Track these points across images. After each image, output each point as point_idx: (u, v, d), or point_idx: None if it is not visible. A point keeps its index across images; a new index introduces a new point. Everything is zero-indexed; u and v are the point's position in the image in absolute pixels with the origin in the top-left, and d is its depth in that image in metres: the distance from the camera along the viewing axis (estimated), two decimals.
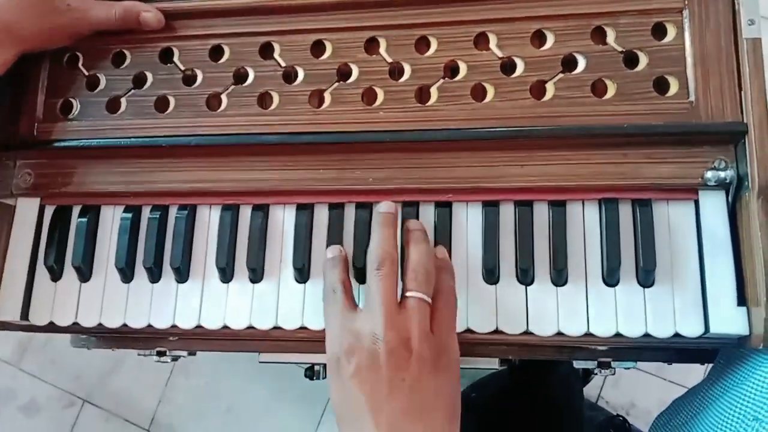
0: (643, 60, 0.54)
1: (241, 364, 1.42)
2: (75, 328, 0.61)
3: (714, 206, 0.52)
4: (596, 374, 0.60)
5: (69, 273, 0.61)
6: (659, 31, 0.55)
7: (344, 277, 0.53)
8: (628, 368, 0.60)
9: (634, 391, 1.31)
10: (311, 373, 0.79)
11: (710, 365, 0.61)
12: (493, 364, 0.61)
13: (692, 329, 0.51)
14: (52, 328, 0.61)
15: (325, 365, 0.80)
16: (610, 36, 0.55)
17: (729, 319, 0.50)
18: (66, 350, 1.51)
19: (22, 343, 1.54)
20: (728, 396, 0.53)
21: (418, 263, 0.51)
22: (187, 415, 1.45)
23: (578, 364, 0.59)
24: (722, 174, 0.51)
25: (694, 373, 1.20)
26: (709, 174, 0.52)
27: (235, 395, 1.43)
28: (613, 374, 0.60)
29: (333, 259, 0.54)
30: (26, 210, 0.62)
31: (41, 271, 0.61)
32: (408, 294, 0.49)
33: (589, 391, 1.31)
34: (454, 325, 0.51)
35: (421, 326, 0.48)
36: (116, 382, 1.49)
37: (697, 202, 0.53)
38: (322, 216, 0.58)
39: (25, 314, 0.61)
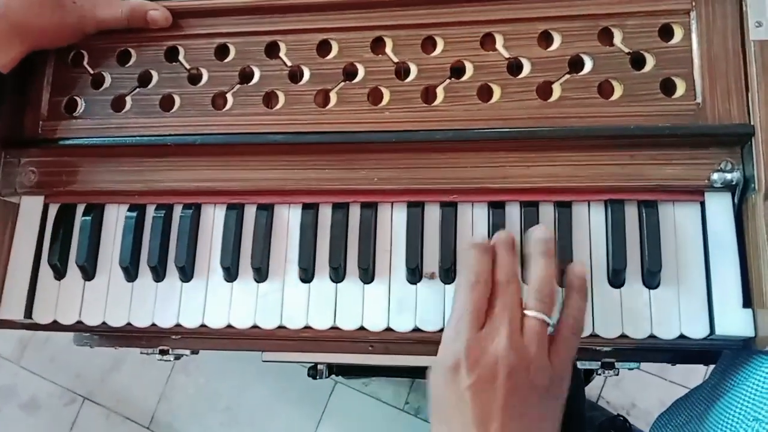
0: (650, 61, 0.54)
1: (241, 362, 1.42)
2: (79, 327, 0.61)
3: (720, 208, 0.52)
4: (599, 374, 0.60)
5: (73, 271, 0.61)
6: (666, 32, 0.55)
7: (490, 272, 0.50)
8: (632, 369, 0.60)
9: (635, 391, 1.31)
10: (314, 372, 0.79)
11: (712, 366, 0.62)
12: None
13: (697, 331, 0.51)
14: (55, 326, 0.61)
15: (328, 365, 0.81)
16: (617, 37, 0.55)
17: (734, 321, 0.50)
18: (66, 348, 1.51)
19: (22, 340, 1.54)
20: (729, 396, 0.53)
21: (543, 281, 0.49)
22: (187, 414, 1.45)
23: (582, 365, 0.59)
24: (728, 176, 0.51)
25: (696, 373, 1.20)
26: (715, 176, 0.52)
27: (235, 394, 1.43)
28: (617, 375, 0.60)
29: (486, 247, 0.51)
30: (30, 208, 0.62)
31: (45, 270, 0.61)
32: (529, 313, 0.48)
33: (590, 391, 1.31)
34: (574, 352, 0.49)
35: (539, 350, 0.47)
36: (117, 379, 1.49)
37: (703, 204, 0.53)
38: (327, 216, 0.58)
39: (28, 313, 0.61)
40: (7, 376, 1.53)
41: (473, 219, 0.56)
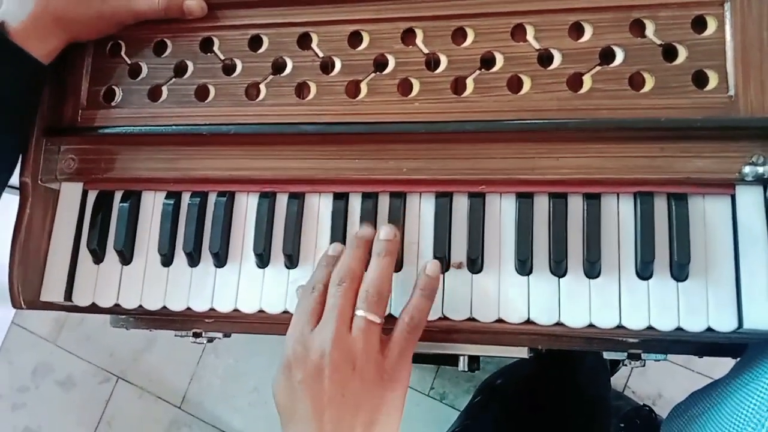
0: (683, 53, 0.54)
1: (270, 344, 1.45)
2: (116, 310, 0.63)
3: (751, 201, 0.52)
4: (625, 365, 0.61)
5: (111, 256, 0.63)
6: (699, 24, 0.54)
7: (326, 281, 0.54)
8: (658, 360, 0.60)
9: (661, 381, 1.30)
10: None
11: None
12: (522, 353, 0.62)
13: (725, 324, 0.51)
14: (94, 309, 0.63)
15: None
16: (649, 29, 0.54)
17: (763, 315, 0.50)
18: (101, 328, 1.55)
19: (59, 320, 1.59)
20: (746, 389, 0.53)
21: (372, 282, 0.52)
22: (217, 394, 1.48)
23: (608, 356, 0.59)
24: (760, 169, 0.51)
25: (721, 365, 1.19)
26: (746, 169, 0.51)
27: (263, 375, 1.46)
28: (643, 366, 0.60)
29: (332, 258, 0.56)
30: (70, 194, 0.65)
31: (84, 254, 0.63)
32: (356, 313, 0.51)
33: (616, 380, 1.31)
34: (411, 347, 0.52)
35: (366, 347, 0.50)
36: (149, 359, 1.53)
37: (733, 197, 0.53)
38: (356, 205, 0.59)
39: (68, 295, 0.63)
40: (44, 354, 1.59)
41: (501, 210, 0.56)
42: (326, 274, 0.54)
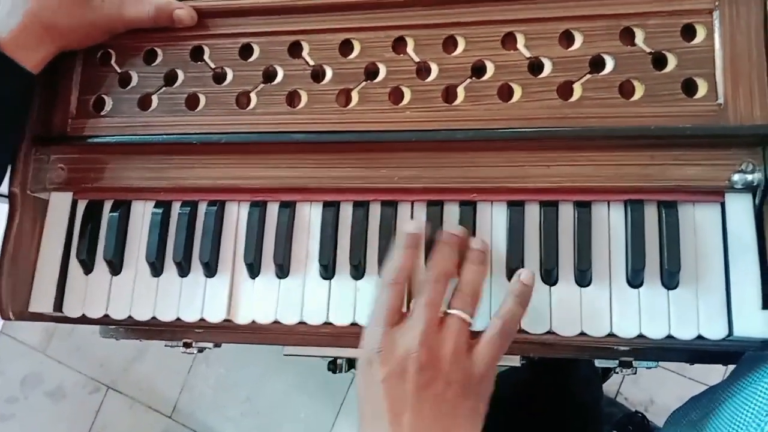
0: (672, 61, 0.54)
1: (262, 353, 1.44)
2: (105, 321, 0.62)
3: (740, 209, 0.52)
4: (617, 373, 0.61)
5: (100, 266, 0.62)
6: (689, 32, 0.54)
7: (408, 269, 0.52)
8: (650, 368, 0.60)
9: (654, 388, 1.31)
10: (334, 366, 0.80)
11: (732, 365, 0.62)
12: (514, 361, 0.62)
13: (716, 332, 0.51)
14: (83, 320, 0.62)
15: (347, 359, 0.82)
16: (639, 37, 0.55)
17: (753, 322, 0.50)
18: (91, 338, 1.54)
19: (48, 329, 1.58)
20: (744, 393, 0.54)
21: (468, 283, 0.51)
22: (208, 403, 1.48)
23: (600, 363, 0.59)
24: (749, 177, 0.51)
25: (715, 371, 1.19)
26: (736, 177, 0.51)
27: (255, 385, 1.45)
28: (635, 373, 0.60)
29: (411, 237, 0.53)
30: (59, 204, 0.64)
31: (73, 265, 0.63)
32: (449, 310, 0.50)
33: (608, 387, 1.31)
34: (498, 355, 0.50)
35: (456, 347, 0.48)
36: (140, 369, 1.52)
37: (723, 205, 0.53)
38: (347, 214, 0.59)
39: (58, 306, 0.62)
40: (33, 365, 1.57)
41: (492, 218, 0.56)
42: (404, 264, 0.52)
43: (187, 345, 0.66)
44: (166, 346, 0.68)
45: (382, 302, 0.51)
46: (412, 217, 0.58)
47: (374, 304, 0.52)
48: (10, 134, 0.61)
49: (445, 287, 0.51)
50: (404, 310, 0.52)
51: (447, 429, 0.47)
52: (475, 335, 0.51)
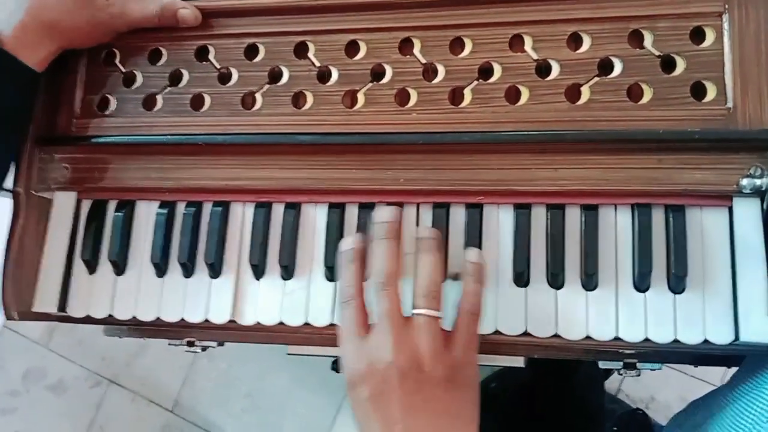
0: (681, 64, 0.54)
1: (263, 349, 1.43)
2: (110, 320, 0.62)
3: (748, 214, 0.52)
4: (621, 375, 0.60)
5: (105, 266, 0.62)
6: (698, 35, 0.54)
7: (359, 283, 0.52)
8: (654, 369, 0.60)
9: (655, 384, 1.31)
10: (337, 366, 0.80)
11: (735, 367, 0.62)
12: (519, 362, 0.62)
13: (722, 336, 0.51)
14: (88, 320, 0.62)
15: None
16: (648, 40, 0.54)
17: (760, 328, 0.50)
18: (93, 332, 1.53)
19: (51, 324, 1.57)
20: (746, 399, 0.53)
21: (425, 278, 0.51)
22: (209, 398, 1.48)
23: (603, 365, 0.59)
24: (758, 181, 0.51)
25: (716, 369, 1.20)
26: (744, 181, 0.51)
27: (256, 380, 1.46)
28: (638, 375, 0.60)
29: (348, 253, 0.53)
30: (63, 204, 0.64)
31: (78, 265, 0.63)
32: (415, 311, 0.50)
33: (610, 384, 1.31)
34: (474, 338, 0.50)
35: (432, 345, 0.48)
36: (141, 363, 1.52)
37: (731, 209, 0.53)
38: (353, 215, 0.59)
39: (62, 306, 0.62)
40: (35, 359, 1.57)
41: (499, 221, 0.56)
42: (354, 275, 0.52)
43: (190, 344, 0.66)
44: (169, 344, 0.68)
45: (343, 322, 0.51)
46: (417, 219, 0.57)
47: (339, 328, 0.52)
48: (12, 133, 0.61)
49: (393, 288, 0.50)
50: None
51: (443, 426, 0.47)
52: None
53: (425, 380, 0.47)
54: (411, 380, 0.47)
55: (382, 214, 0.54)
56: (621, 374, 0.60)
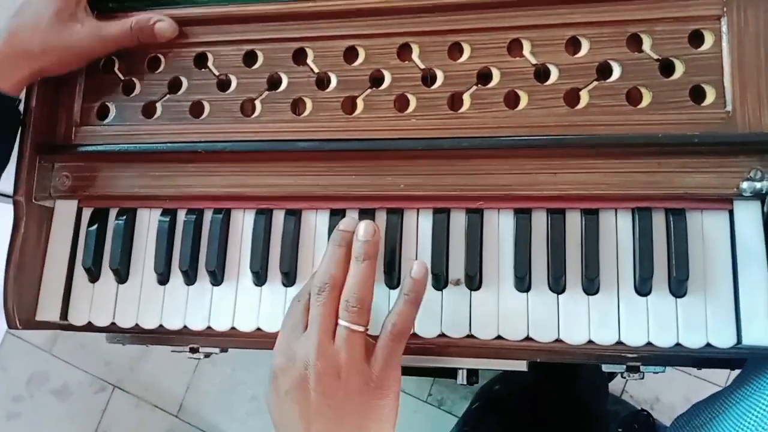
0: (680, 68, 0.54)
1: (267, 353, 1.44)
2: (112, 328, 0.62)
3: (749, 217, 0.52)
4: (624, 378, 0.60)
5: (106, 274, 0.62)
6: (696, 38, 0.54)
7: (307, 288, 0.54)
8: (657, 372, 0.60)
9: (659, 386, 1.31)
10: None
11: (738, 369, 0.61)
12: (521, 366, 0.62)
13: (724, 340, 0.51)
14: (90, 328, 0.63)
15: None
16: (646, 43, 0.54)
17: (762, 331, 0.50)
18: (96, 337, 1.54)
19: None
20: (749, 400, 0.53)
21: (352, 289, 0.51)
22: (213, 403, 1.48)
23: (607, 368, 0.59)
24: (758, 185, 0.51)
25: (721, 370, 1.20)
26: (744, 184, 0.51)
27: (260, 384, 1.46)
28: (642, 378, 0.60)
29: (332, 249, 0.54)
30: (64, 212, 0.64)
31: (79, 273, 0.63)
32: (339, 322, 0.51)
33: (614, 385, 1.31)
34: (394, 354, 0.51)
35: (350, 357, 0.50)
36: (145, 368, 1.53)
37: (731, 212, 0.52)
38: None
39: (64, 314, 0.62)
40: (39, 363, 1.58)
41: (499, 226, 0.56)
42: (304, 290, 0.54)
43: (193, 350, 0.66)
44: (172, 351, 0.68)
45: (284, 320, 0.54)
46: (418, 224, 0.57)
47: (282, 321, 0.54)
48: None
49: (332, 295, 0.51)
50: None
51: (358, 427, 0.49)
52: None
53: (342, 388, 0.49)
54: (325, 385, 0.49)
55: (342, 223, 0.54)
56: (624, 377, 0.60)
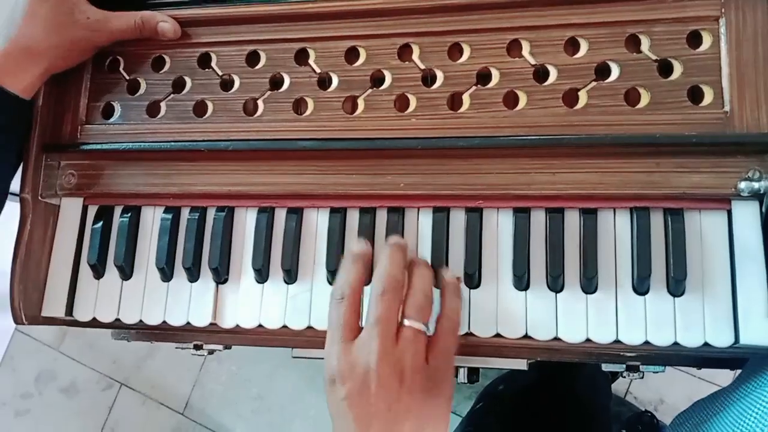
0: (678, 69, 0.54)
1: (272, 351, 1.45)
2: (117, 325, 0.63)
3: (747, 217, 0.52)
4: (624, 377, 0.61)
5: (111, 271, 0.63)
6: (695, 39, 0.54)
7: (357, 285, 0.52)
8: (657, 372, 0.60)
9: (663, 387, 1.31)
10: None
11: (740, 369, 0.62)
12: (521, 365, 0.62)
13: (722, 339, 0.51)
14: (95, 324, 0.63)
15: None
16: (645, 44, 0.55)
17: (760, 331, 0.50)
18: (104, 335, 1.55)
19: (62, 327, 1.59)
20: (749, 398, 0.53)
21: (418, 290, 0.51)
22: (219, 400, 1.49)
23: (606, 368, 0.59)
24: (756, 185, 0.51)
25: (724, 371, 1.19)
26: (742, 184, 0.51)
27: (265, 382, 1.47)
28: (642, 377, 0.60)
29: (354, 254, 0.54)
30: (70, 209, 0.65)
31: (85, 269, 0.64)
32: (406, 322, 0.50)
33: (618, 386, 1.31)
34: (453, 351, 0.52)
35: (414, 358, 0.49)
36: (152, 366, 1.54)
37: (729, 212, 0.53)
38: (354, 220, 0.59)
39: (69, 310, 0.63)
40: (47, 361, 1.59)
41: (498, 225, 0.57)
42: (354, 277, 0.52)
43: (197, 347, 0.67)
44: (176, 348, 0.68)
45: (333, 320, 0.52)
46: (417, 223, 0.58)
47: (328, 323, 0.52)
48: (3, 163, 0.62)
49: (395, 297, 0.51)
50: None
51: (418, 427, 0.49)
52: None
53: (401, 391, 0.48)
54: (388, 390, 0.48)
55: (397, 238, 0.56)
56: (624, 376, 0.60)
